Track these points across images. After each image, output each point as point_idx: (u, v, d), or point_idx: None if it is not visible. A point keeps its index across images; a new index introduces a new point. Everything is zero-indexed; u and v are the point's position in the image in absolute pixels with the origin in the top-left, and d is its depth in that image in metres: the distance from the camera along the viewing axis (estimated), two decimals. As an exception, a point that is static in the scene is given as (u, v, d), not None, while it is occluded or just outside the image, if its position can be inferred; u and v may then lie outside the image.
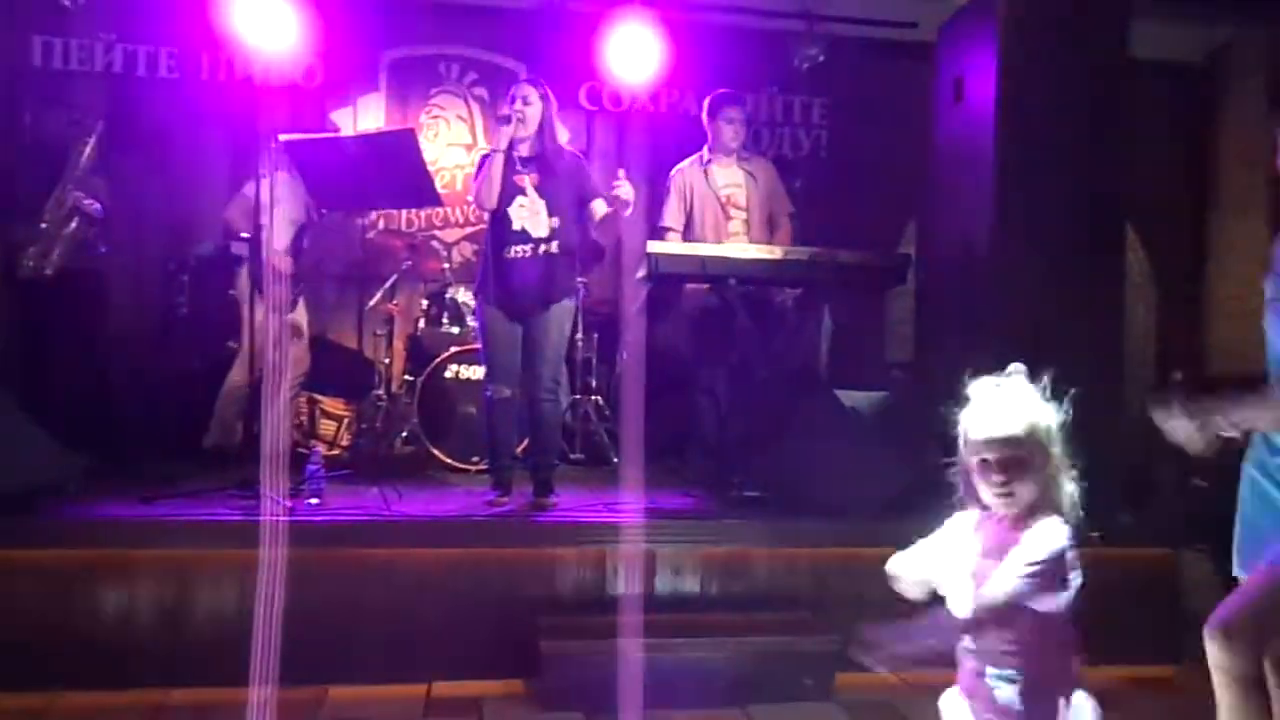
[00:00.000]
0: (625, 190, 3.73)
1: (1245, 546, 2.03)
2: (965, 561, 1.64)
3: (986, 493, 1.62)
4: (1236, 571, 2.04)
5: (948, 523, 1.71)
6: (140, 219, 5.52)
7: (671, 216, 4.58)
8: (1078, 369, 3.53)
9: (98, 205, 4.39)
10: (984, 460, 1.60)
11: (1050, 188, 3.80)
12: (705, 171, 4.59)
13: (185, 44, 5.75)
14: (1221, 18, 5.87)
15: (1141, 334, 6.20)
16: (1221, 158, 6.25)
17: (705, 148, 4.66)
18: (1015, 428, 1.59)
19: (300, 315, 4.83)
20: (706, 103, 4.68)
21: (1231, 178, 6.12)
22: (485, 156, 3.89)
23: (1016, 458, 1.58)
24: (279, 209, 4.74)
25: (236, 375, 4.70)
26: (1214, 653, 1.94)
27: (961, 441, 1.65)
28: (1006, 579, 1.56)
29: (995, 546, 1.64)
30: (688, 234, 4.55)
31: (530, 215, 3.76)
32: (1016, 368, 1.67)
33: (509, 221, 3.76)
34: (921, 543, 1.71)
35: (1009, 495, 1.60)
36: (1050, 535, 1.59)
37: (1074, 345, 3.71)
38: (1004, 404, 1.62)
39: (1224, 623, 1.93)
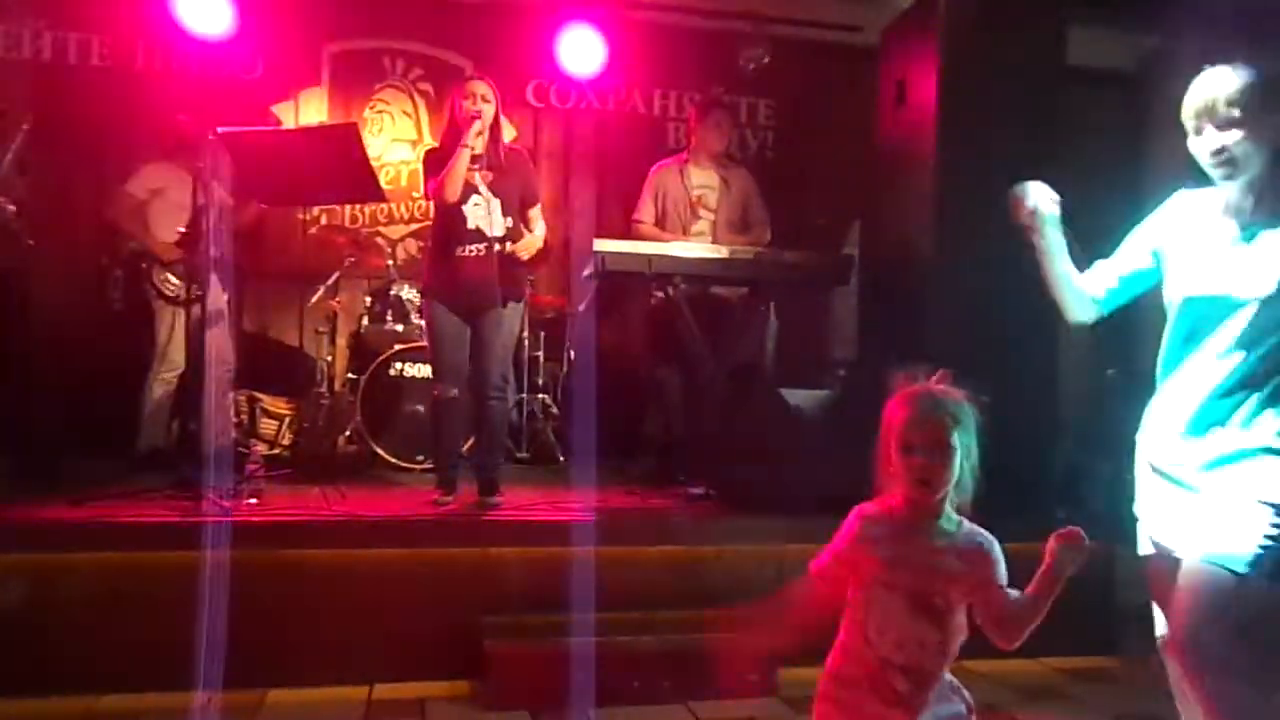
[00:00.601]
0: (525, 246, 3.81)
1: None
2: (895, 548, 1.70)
3: (905, 480, 1.69)
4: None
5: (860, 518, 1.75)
6: (72, 213, 5.36)
7: (644, 211, 4.68)
8: (1015, 368, 3.61)
9: (12, 207, 4.22)
10: (910, 449, 1.67)
11: (988, 190, 3.85)
12: (682, 171, 4.68)
13: (119, 32, 5.61)
14: (1152, 26, 6.04)
15: (1078, 332, 6.35)
16: (1153, 161, 6.44)
17: (688, 149, 4.76)
18: (944, 422, 1.67)
19: (219, 299, 4.66)
20: (695, 105, 4.75)
21: (1163, 181, 6.29)
22: (432, 152, 3.86)
23: (941, 449, 1.66)
24: (163, 198, 4.66)
25: (156, 375, 4.63)
26: (1179, 671, 1.93)
27: (890, 433, 1.71)
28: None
29: (905, 535, 1.71)
30: (660, 230, 4.63)
31: (485, 214, 3.73)
32: (941, 374, 1.74)
33: (463, 219, 3.71)
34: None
35: (927, 484, 1.67)
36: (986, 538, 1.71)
37: (1011, 345, 3.80)
38: (933, 399, 1.70)
39: (1180, 641, 1.92)
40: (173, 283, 4.62)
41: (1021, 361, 3.83)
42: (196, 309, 4.00)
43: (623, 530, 3.53)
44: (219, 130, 3.80)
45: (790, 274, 4.24)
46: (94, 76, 5.60)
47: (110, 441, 4.64)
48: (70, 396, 4.60)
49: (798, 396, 3.88)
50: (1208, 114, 1.98)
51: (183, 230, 4.26)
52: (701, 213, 4.63)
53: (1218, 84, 1.98)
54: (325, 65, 6.06)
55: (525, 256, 3.85)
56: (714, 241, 4.54)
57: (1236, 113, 1.93)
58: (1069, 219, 2.10)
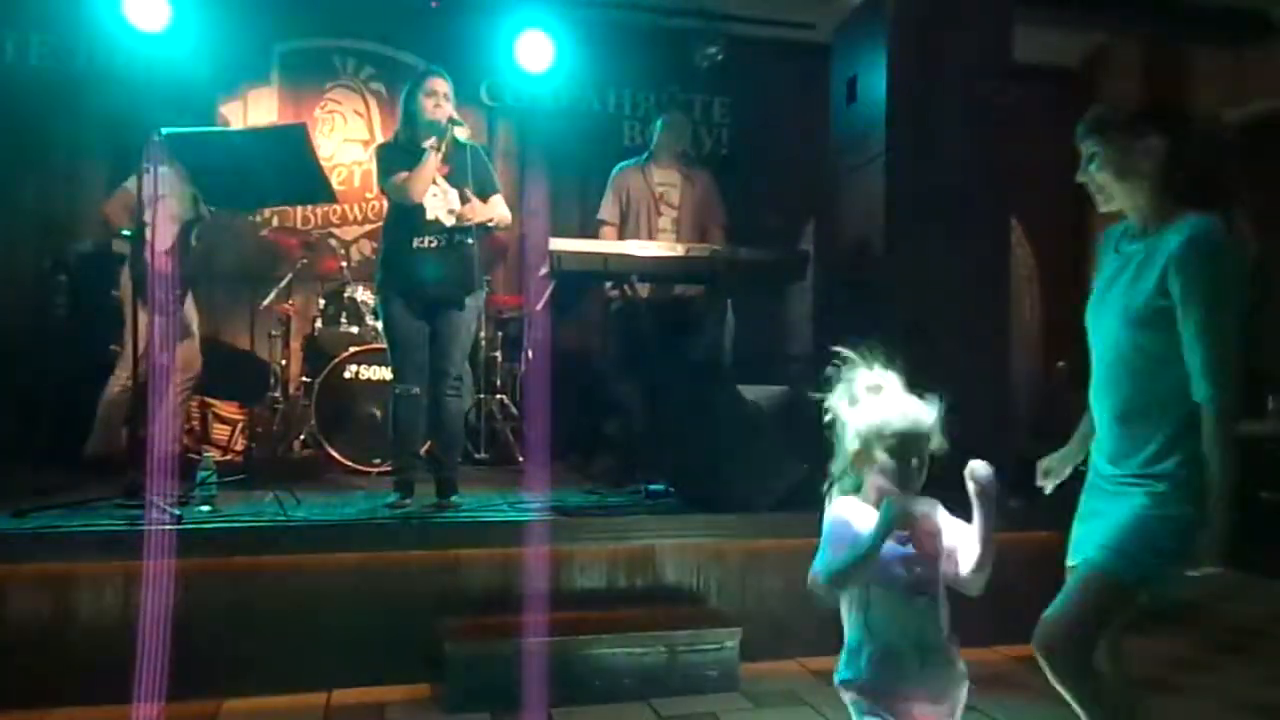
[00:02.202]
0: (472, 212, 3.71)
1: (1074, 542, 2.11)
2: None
3: (894, 478, 1.70)
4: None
5: (848, 513, 1.73)
6: (14, 216, 5.23)
7: (607, 211, 4.69)
8: (967, 359, 3.65)
9: None
10: (904, 448, 1.69)
11: (939, 186, 3.93)
12: (644, 170, 4.69)
13: (58, 30, 5.47)
14: (1097, 24, 6.17)
15: (1028, 325, 6.48)
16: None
17: (647, 151, 4.77)
18: (930, 419, 1.71)
19: (191, 314, 4.64)
20: (654, 109, 4.76)
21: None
22: (386, 146, 3.83)
23: (925, 445, 1.70)
24: (161, 205, 4.56)
25: (119, 379, 4.51)
26: (1049, 672, 1.96)
27: (870, 433, 1.71)
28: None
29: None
30: (623, 230, 4.64)
31: (443, 205, 3.69)
32: (890, 371, 1.76)
33: (422, 211, 3.67)
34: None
35: (911, 485, 1.70)
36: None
37: (963, 337, 3.86)
38: (912, 398, 1.72)
39: (1046, 642, 1.96)
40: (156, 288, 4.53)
41: (973, 354, 3.89)
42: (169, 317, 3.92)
43: (582, 529, 3.52)
44: (164, 131, 3.72)
45: (746, 271, 4.26)
46: (33, 76, 5.46)
47: (57, 450, 4.53)
48: (15, 404, 4.49)
49: (755, 393, 3.90)
50: (1082, 150, 2.04)
51: (127, 233, 4.17)
52: (664, 209, 4.66)
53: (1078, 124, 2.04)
54: (274, 64, 5.97)
55: (473, 219, 3.72)
56: (679, 238, 4.56)
57: (1089, 146, 2.00)
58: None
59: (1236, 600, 4.35)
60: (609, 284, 4.41)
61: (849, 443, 1.73)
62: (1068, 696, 1.96)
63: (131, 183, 4.59)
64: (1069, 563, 2.09)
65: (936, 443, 1.71)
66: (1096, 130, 1.99)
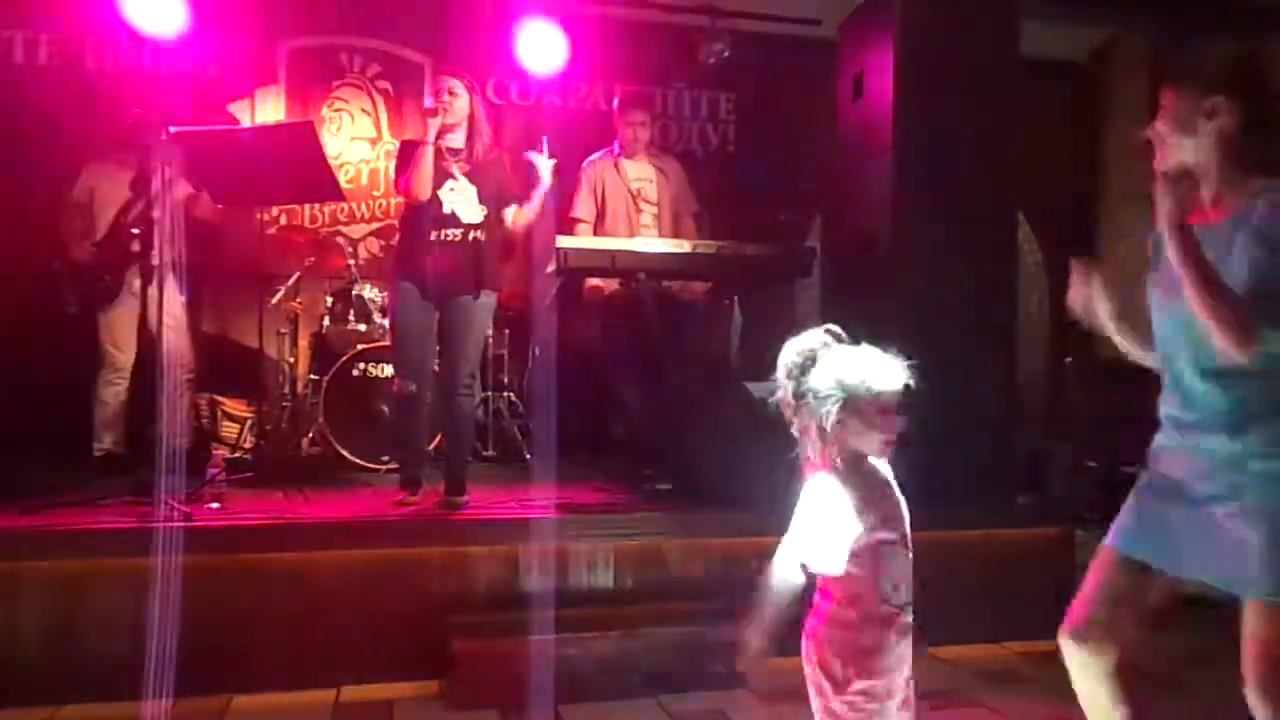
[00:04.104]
0: (543, 166, 3.75)
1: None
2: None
3: (877, 440, 1.70)
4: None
5: (821, 491, 1.72)
6: (23, 215, 5.24)
7: (582, 208, 4.57)
8: (974, 356, 3.64)
9: None
10: (887, 409, 1.68)
11: (946, 181, 3.91)
12: (616, 164, 4.60)
13: (67, 30, 5.49)
14: (1104, 18, 6.14)
15: (1036, 321, 6.45)
16: (1108, 152, 6.55)
17: (616, 143, 4.67)
18: (905, 376, 1.69)
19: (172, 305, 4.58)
20: (615, 102, 4.68)
21: (1118, 170, 6.41)
22: (407, 144, 3.82)
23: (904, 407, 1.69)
24: (100, 198, 4.60)
25: (105, 378, 4.56)
26: (1072, 655, 1.93)
27: (852, 394, 1.68)
28: None
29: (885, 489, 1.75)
30: (599, 227, 4.54)
31: (462, 199, 3.69)
32: (836, 332, 1.76)
33: (439, 204, 3.66)
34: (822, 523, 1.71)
35: (895, 440, 1.70)
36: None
37: (970, 333, 3.85)
38: (881, 355, 1.71)
39: (1075, 625, 1.92)
40: (76, 286, 4.57)
41: (981, 350, 3.88)
42: (153, 310, 3.92)
43: (590, 526, 3.52)
44: (172, 130, 3.74)
45: (753, 268, 4.25)
46: (42, 76, 5.48)
47: (66, 448, 4.56)
48: (23, 402, 4.51)
49: (763, 389, 3.89)
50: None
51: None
52: (644, 206, 4.59)
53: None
54: (282, 62, 5.98)
55: (509, 222, 3.81)
56: (661, 235, 4.52)
57: (1162, 97, 1.88)
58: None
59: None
60: (616, 281, 4.39)
61: (824, 408, 1.68)
62: (1087, 683, 1.91)
63: (75, 188, 4.65)
64: (1136, 554, 1.93)
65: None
66: (1168, 78, 1.88)
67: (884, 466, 1.77)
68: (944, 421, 3.76)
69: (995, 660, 3.40)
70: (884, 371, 1.68)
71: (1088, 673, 1.93)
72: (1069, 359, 5.30)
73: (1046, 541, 3.85)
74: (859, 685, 1.67)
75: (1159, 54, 6.12)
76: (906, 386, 1.68)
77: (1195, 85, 1.83)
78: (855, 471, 1.72)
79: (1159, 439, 1.97)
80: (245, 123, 5.71)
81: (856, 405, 1.67)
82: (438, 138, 3.67)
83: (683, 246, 4.19)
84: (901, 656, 1.72)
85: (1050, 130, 6.19)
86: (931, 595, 3.44)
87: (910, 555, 1.74)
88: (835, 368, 1.70)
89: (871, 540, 1.69)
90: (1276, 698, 1.71)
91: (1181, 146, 1.85)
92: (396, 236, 3.99)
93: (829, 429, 1.68)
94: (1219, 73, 1.83)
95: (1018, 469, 4.15)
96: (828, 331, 1.75)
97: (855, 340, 1.75)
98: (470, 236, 3.70)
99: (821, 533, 1.68)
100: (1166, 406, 1.94)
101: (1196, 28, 6.03)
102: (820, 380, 1.70)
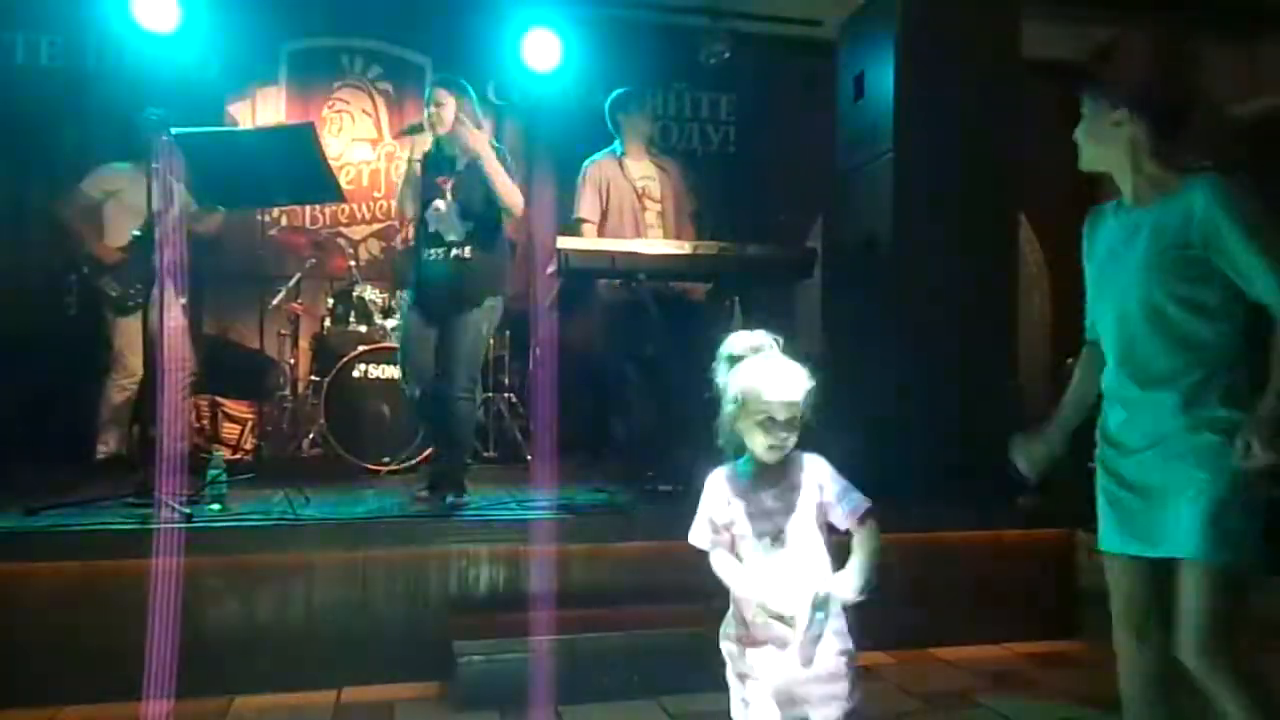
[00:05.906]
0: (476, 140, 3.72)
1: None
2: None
3: (762, 444, 1.81)
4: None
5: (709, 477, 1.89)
6: (23, 216, 5.26)
7: (587, 209, 4.51)
8: (974, 356, 3.64)
9: None
10: (772, 418, 1.79)
11: (946, 181, 3.91)
12: (620, 163, 4.57)
13: (68, 31, 5.50)
14: (1105, 18, 6.14)
15: (1037, 321, 6.45)
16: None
17: (616, 143, 4.66)
18: (801, 391, 1.80)
19: (173, 307, 4.59)
20: (609, 102, 4.66)
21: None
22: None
23: (796, 416, 1.80)
24: (118, 200, 4.60)
25: (115, 382, 4.56)
26: (1129, 650, 1.95)
27: (740, 400, 1.82)
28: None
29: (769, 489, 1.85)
30: (604, 227, 4.51)
31: (443, 219, 3.75)
32: (772, 339, 1.87)
33: (425, 224, 3.78)
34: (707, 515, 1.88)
35: (783, 448, 1.81)
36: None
37: (971, 333, 3.85)
38: (787, 369, 1.82)
39: (1136, 625, 1.95)
40: (115, 287, 4.55)
41: (980, 351, 3.87)
42: (154, 314, 3.93)
43: (590, 527, 3.53)
44: (173, 131, 3.74)
45: (754, 269, 4.24)
46: (43, 77, 5.49)
47: (68, 449, 4.56)
48: (26, 404, 4.52)
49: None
50: None
51: (137, 233, 4.19)
52: (648, 204, 4.56)
53: None
54: (282, 63, 5.99)
55: (474, 146, 3.74)
56: (665, 234, 4.50)
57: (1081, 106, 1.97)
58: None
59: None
60: (617, 283, 4.38)
61: (726, 406, 1.84)
62: (1136, 677, 1.94)
63: (87, 183, 4.65)
64: (1115, 549, 1.99)
65: (807, 410, 1.79)
66: (1083, 93, 1.99)
67: (789, 466, 1.85)
68: (944, 421, 3.78)
69: (996, 660, 3.39)
70: (778, 383, 1.79)
71: (1134, 669, 1.96)
72: (1069, 359, 5.29)
73: (1047, 542, 3.84)
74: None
75: (1159, 54, 6.12)
76: (798, 405, 1.78)
77: (1104, 97, 1.93)
78: (736, 468, 1.88)
79: (1100, 421, 2.06)
80: (246, 123, 5.72)
81: (748, 410, 1.80)
82: (437, 148, 3.70)
83: (684, 248, 4.18)
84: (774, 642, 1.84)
85: (1051, 131, 6.18)
86: (932, 595, 3.44)
87: (786, 553, 1.82)
88: (742, 373, 1.83)
89: (731, 534, 1.87)
90: (1214, 658, 1.76)
91: (1096, 153, 1.98)
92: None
93: (724, 426, 1.85)
94: (1126, 85, 1.93)
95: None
96: (767, 335, 1.87)
97: (801, 350, 1.87)
98: (453, 254, 3.75)
99: (699, 512, 1.91)
100: (1106, 382, 2.03)
101: (1196, 28, 6.04)
102: (729, 381, 1.84)
